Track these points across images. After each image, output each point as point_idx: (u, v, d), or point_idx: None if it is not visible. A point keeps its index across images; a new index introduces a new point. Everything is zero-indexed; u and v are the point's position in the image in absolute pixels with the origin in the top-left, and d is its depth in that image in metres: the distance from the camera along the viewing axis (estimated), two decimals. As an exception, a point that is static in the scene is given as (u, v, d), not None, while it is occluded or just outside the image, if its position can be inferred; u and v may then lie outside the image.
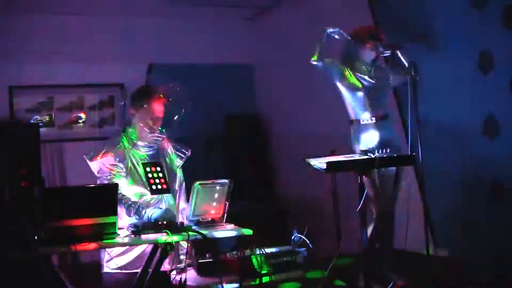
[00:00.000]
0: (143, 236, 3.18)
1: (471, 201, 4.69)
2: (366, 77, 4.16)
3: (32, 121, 6.30)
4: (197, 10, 6.64)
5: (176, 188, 3.80)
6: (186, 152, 3.91)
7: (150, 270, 3.30)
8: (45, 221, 2.93)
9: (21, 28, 6.19)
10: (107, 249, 3.50)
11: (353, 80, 4.15)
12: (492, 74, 4.48)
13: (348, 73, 4.15)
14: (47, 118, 6.48)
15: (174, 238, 3.19)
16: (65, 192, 3.31)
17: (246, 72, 7.43)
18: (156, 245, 3.30)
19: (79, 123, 6.64)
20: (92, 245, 3.01)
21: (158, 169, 3.45)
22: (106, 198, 3.09)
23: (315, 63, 4.10)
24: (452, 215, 4.85)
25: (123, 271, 3.53)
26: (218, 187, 3.46)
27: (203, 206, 3.42)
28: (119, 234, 3.12)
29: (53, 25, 6.34)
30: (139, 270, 3.42)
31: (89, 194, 3.12)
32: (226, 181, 3.49)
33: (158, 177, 3.43)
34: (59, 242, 2.94)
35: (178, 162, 3.87)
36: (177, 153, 3.88)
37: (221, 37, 7.07)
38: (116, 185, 3.21)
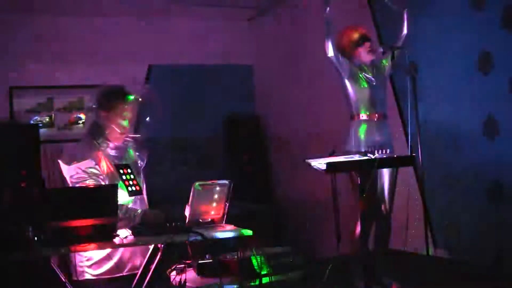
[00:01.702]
0: (143, 237, 3.17)
1: (471, 201, 4.69)
2: (370, 76, 4.17)
3: (32, 122, 6.33)
4: (197, 10, 6.64)
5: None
6: (145, 154, 3.85)
7: (150, 270, 3.30)
8: (45, 221, 2.92)
9: (21, 29, 6.19)
10: (84, 256, 3.45)
11: (360, 78, 4.15)
12: (492, 74, 4.48)
13: (357, 71, 4.15)
14: (47, 119, 6.55)
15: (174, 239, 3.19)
16: (65, 192, 3.30)
17: (246, 72, 7.43)
18: (156, 245, 3.30)
19: (79, 123, 6.67)
20: (91, 246, 3.01)
21: (129, 171, 3.43)
22: (106, 198, 3.09)
23: (330, 55, 4.08)
24: (452, 216, 4.85)
25: (103, 277, 3.49)
26: (218, 188, 3.45)
27: (203, 206, 3.42)
28: (118, 235, 3.12)
29: (53, 25, 6.35)
30: (120, 274, 3.42)
31: (89, 195, 3.12)
32: (226, 181, 3.49)
33: (131, 179, 3.41)
34: (59, 243, 2.94)
35: (141, 164, 3.84)
36: (139, 154, 3.83)
37: (221, 37, 7.08)
38: (116, 185, 3.20)
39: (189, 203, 3.38)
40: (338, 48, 4.13)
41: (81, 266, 3.50)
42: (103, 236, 3.05)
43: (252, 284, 3.38)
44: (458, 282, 4.18)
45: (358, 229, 4.02)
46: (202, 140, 6.82)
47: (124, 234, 3.18)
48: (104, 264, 3.50)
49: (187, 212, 3.40)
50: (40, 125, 6.29)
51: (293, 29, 6.49)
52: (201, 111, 6.89)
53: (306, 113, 6.38)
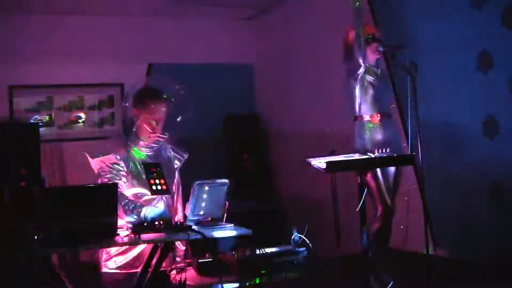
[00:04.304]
0: (143, 236, 3.18)
1: (471, 201, 4.69)
2: (374, 77, 4.17)
3: (32, 121, 6.33)
4: (197, 10, 6.64)
5: (174, 189, 3.81)
6: (184, 155, 3.92)
7: (150, 270, 3.30)
8: (45, 221, 2.93)
9: (21, 28, 6.19)
10: (105, 249, 3.50)
11: (364, 78, 4.16)
12: (492, 73, 4.49)
13: (364, 72, 4.16)
14: (47, 118, 6.55)
15: (174, 238, 3.19)
16: (65, 192, 3.30)
17: (246, 72, 7.43)
18: (155, 245, 3.30)
19: (79, 122, 6.66)
20: (92, 245, 3.01)
21: (158, 170, 3.46)
22: (106, 198, 3.09)
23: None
24: (452, 215, 4.85)
25: (121, 270, 3.53)
26: (218, 187, 3.46)
27: (203, 205, 3.42)
28: (119, 234, 3.12)
29: (52, 25, 6.34)
30: (138, 270, 3.42)
31: (89, 194, 3.12)
32: (226, 180, 3.50)
33: (158, 178, 3.44)
34: (59, 242, 2.94)
35: (176, 165, 3.88)
36: (176, 155, 3.89)
37: (221, 37, 7.08)
38: (116, 185, 3.21)
39: (189, 202, 3.39)
40: (346, 45, 4.15)
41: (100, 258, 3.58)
42: (103, 235, 3.05)
43: (252, 283, 3.38)
44: (458, 282, 4.19)
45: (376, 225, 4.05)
46: (202, 140, 6.82)
47: (124, 233, 3.18)
48: (120, 259, 3.53)
49: (187, 211, 3.41)
50: (40, 124, 6.29)
51: (294, 28, 6.49)
52: (201, 110, 6.88)
53: (306, 112, 6.38)
